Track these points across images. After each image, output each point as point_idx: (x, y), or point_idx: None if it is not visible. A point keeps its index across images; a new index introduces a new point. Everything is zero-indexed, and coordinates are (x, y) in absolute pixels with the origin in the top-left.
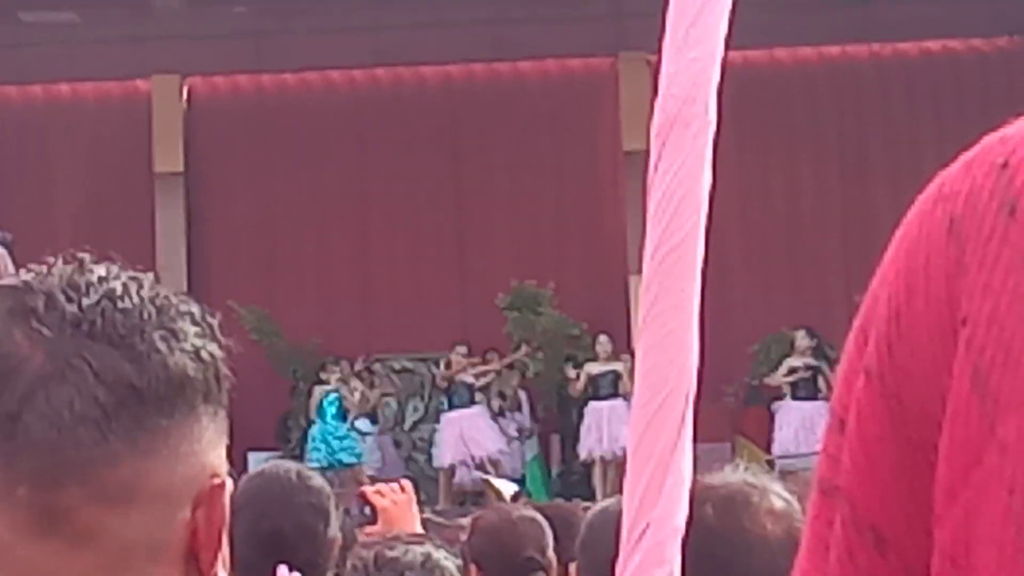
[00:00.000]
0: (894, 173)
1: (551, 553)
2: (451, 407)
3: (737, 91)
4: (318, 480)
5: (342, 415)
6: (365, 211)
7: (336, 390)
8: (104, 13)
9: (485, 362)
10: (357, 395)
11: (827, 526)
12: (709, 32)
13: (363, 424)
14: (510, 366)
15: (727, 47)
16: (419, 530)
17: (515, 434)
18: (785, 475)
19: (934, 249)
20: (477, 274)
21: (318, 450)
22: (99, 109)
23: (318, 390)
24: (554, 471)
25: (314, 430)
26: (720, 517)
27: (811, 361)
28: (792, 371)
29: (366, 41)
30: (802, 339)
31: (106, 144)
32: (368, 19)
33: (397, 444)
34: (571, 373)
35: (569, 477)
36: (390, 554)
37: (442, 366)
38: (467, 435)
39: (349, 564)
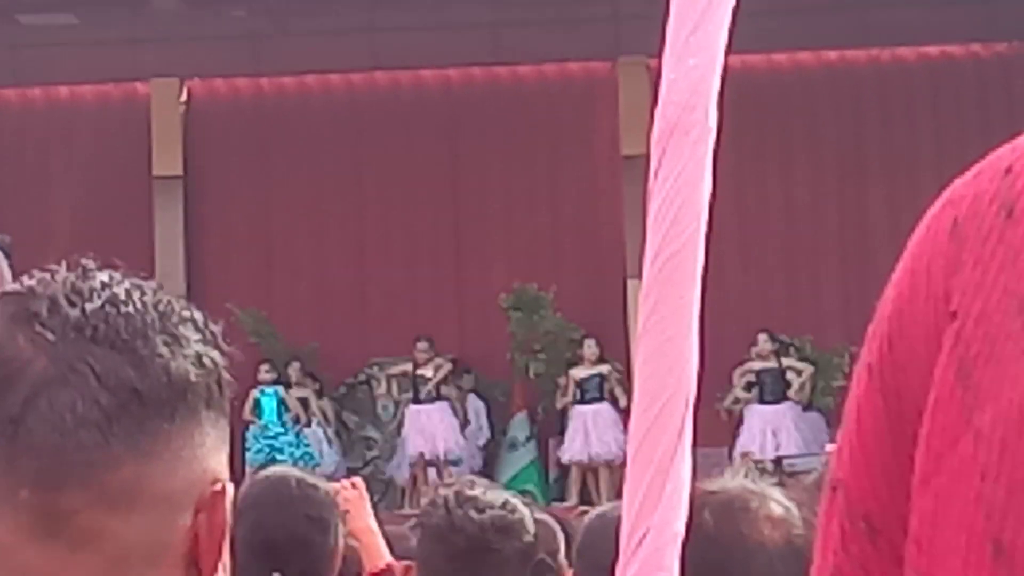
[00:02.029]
0: (891, 178)
1: (562, 558)
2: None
3: (735, 95)
4: (321, 490)
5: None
6: (363, 214)
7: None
8: (103, 15)
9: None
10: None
11: (830, 519)
12: (709, 40)
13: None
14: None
15: (726, 52)
16: (374, 528)
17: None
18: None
19: (937, 250)
20: (475, 278)
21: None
22: (98, 112)
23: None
24: (551, 475)
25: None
26: (719, 523)
27: (772, 364)
28: (754, 374)
29: (364, 44)
30: (764, 343)
31: (105, 147)
32: (366, 22)
33: (396, 449)
34: (561, 380)
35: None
36: (470, 492)
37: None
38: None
39: (427, 501)
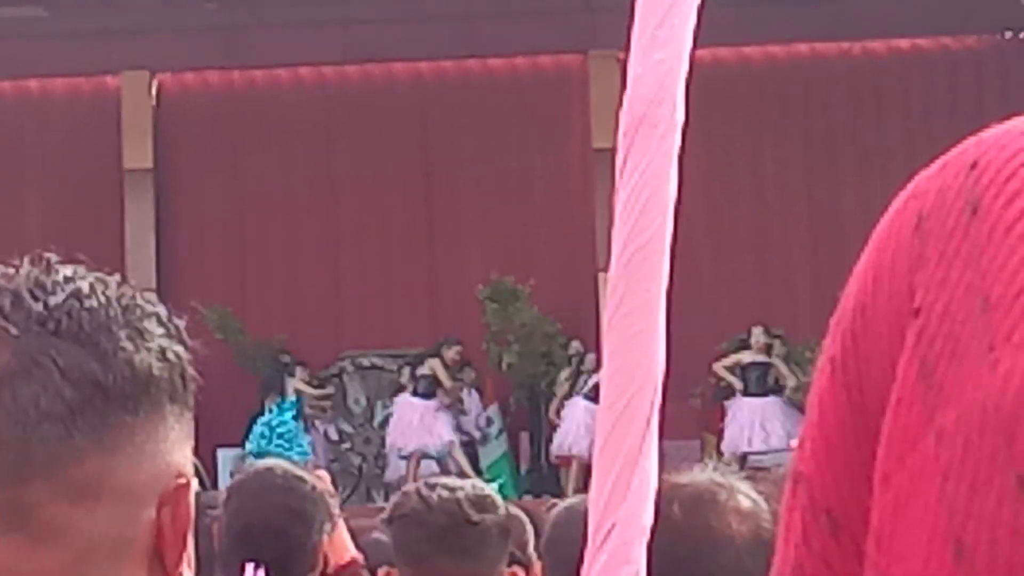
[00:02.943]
0: (862, 171)
1: (531, 550)
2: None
3: (705, 89)
4: (308, 484)
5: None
6: (335, 207)
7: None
8: (72, 8)
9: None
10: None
11: (792, 513)
12: (676, 33)
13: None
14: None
15: (695, 44)
16: (340, 521)
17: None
18: (755, 472)
19: (901, 245)
20: (447, 270)
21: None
22: (68, 105)
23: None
24: (523, 468)
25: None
26: (687, 516)
27: (763, 358)
28: (741, 366)
29: (336, 37)
30: (758, 336)
31: (75, 140)
32: (338, 15)
33: (367, 442)
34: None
35: (538, 475)
36: (435, 480)
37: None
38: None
39: (396, 496)
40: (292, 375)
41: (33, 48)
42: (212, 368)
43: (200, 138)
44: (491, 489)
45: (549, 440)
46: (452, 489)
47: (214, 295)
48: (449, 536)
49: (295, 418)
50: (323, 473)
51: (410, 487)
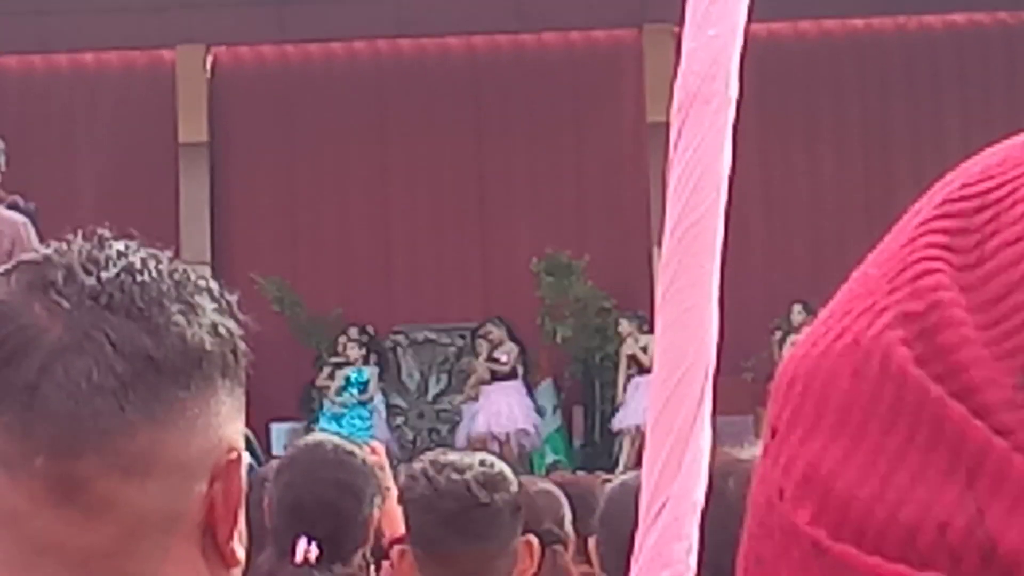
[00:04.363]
0: (917, 148)
1: (568, 527)
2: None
3: (761, 63)
4: (359, 458)
5: (361, 390)
6: (387, 181)
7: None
8: None
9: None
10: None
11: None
12: (730, 9)
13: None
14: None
15: (750, 19)
16: (393, 495)
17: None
18: None
19: None
20: (499, 245)
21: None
22: (123, 78)
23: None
24: (576, 443)
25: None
26: (741, 491)
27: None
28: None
29: (390, 11)
30: (798, 313)
31: (130, 113)
32: None
33: (420, 416)
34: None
35: (592, 449)
36: (444, 459)
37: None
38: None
39: (404, 476)
40: (347, 349)
41: (88, 22)
42: (266, 341)
43: (254, 112)
44: (500, 464)
45: (603, 415)
46: (461, 470)
47: (267, 268)
48: (459, 520)
49: (362, 391)
50: (378, 445)
51: (417, 468)
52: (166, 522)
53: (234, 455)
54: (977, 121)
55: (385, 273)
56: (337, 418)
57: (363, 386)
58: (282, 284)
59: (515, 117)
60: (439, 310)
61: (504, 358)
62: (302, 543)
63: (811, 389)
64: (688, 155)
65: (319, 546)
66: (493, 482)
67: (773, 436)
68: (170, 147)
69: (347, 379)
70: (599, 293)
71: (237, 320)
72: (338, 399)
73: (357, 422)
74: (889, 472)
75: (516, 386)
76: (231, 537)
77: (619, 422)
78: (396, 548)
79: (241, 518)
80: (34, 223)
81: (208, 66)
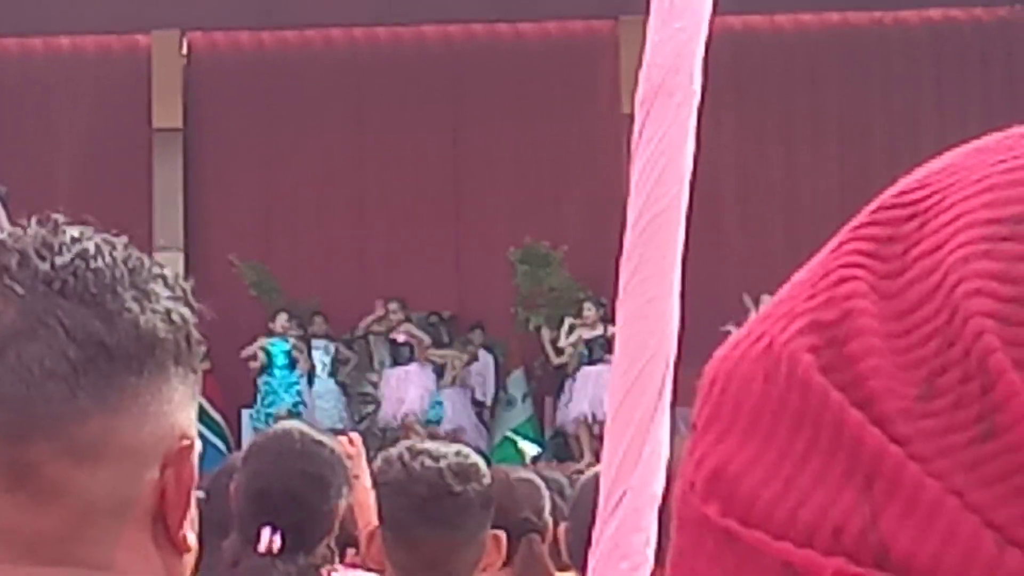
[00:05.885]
0: (893, 140)
1: (547, 516)
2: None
3: (736, 57)
4: (327, 448)
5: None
6: (364, 169)
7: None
8: None
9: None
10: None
11: None
12: (695, 3)
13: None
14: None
15: (726, 12)
16: (368, 486)
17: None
18: None
19: None
20: (475, 234)
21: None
22: (98, 63)
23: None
24: (548, 433)
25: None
26: None
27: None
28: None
29: None
30: (748, 305)
31: (105, 98)
32: None
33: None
34: (569, 338)
35: (563, 439)
36: (420, 446)
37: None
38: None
39: (380, 460)
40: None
41: (64, 5)
42: (241, 326)
43: (230, 98)
44: (475, 456)
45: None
46: (436, 458)
47: (241, 255)
48: (430, 507)
49: (287, 366)
50: (355, 435)
51: (394, 453)
52: (117, 508)
53: (186, 442)
54: (952, 116)
55: (360, 261)
56: (268, 404)
57: (287, 355)
58: (260, 268)
59: (492, 106)
60: (414, 298)
61: (401, 338)
62: (266, 533)
63: (728, 390)
64: (651, 147)
65: (283, 536)
66: (466, 472)
67: (693, 431)
68: (144, 132)
69: (266, 352)
70: (574, 284)
71: (192, 307)
72: (271, 379)
73: (286, 397)
74: (792, 475)
75: (416, 369)
76: (182, 524)
77: (569, 413)
78: (366, 531)
79: (192, 505)
80: (5, 207)
81: (183, 52)
